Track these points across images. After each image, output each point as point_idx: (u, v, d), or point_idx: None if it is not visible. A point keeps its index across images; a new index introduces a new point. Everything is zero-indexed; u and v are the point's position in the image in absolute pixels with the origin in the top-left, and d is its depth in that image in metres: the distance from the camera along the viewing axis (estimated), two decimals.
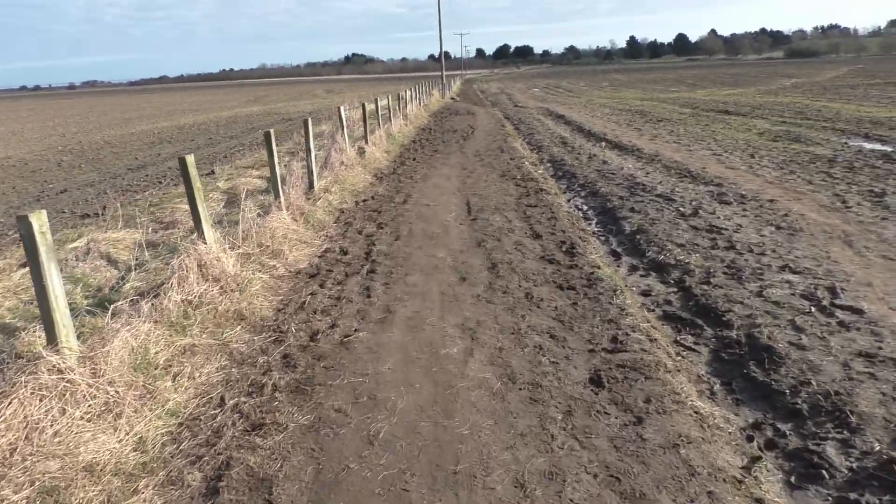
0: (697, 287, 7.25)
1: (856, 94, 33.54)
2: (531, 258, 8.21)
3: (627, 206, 11.22)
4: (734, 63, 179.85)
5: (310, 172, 11.46)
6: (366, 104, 17.28)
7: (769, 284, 7.12)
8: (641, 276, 8.06)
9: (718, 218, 10.06)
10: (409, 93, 31.16)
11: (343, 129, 14.43)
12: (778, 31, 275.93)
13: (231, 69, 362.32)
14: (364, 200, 11.99)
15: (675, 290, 7.40)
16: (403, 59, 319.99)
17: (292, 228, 9.07)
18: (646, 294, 7.39)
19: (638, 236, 9.53)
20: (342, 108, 14.85)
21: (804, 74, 72.14)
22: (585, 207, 11.96)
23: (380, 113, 21.94)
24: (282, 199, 9.39)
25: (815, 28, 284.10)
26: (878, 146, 16.03)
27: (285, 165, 11.27)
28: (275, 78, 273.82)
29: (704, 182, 12.82)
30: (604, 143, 19.59)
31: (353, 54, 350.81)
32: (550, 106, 41.04)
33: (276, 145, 10.09)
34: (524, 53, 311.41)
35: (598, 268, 7.82)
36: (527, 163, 16.40)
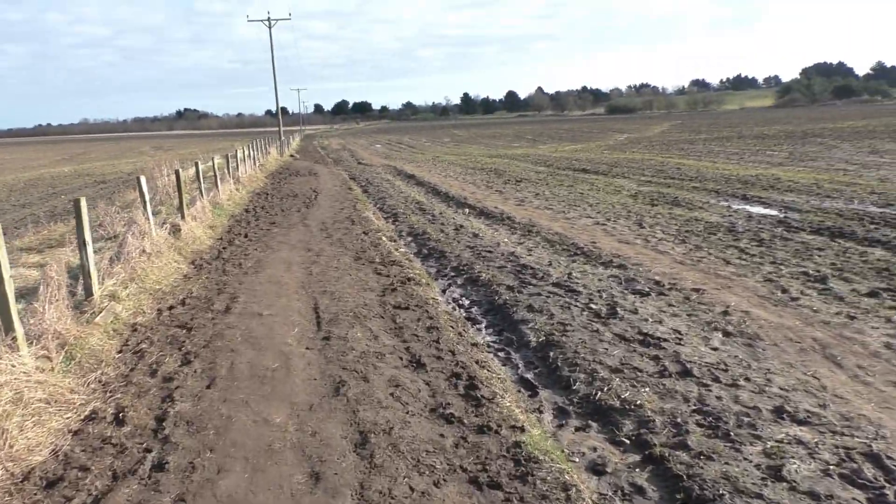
0: (672, 457, 4.79)
1: (698, 150, 34.17)
2: (418, 414, 5.43)
3: (522, 302, 8.77)
4: (562, 119, 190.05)
5: (85, 274, 8.06)
6: (180, 170, 13.90)
7: (778, 451, 4.78)
8: (578, 430, 5.50)
9: (645, 320, 7.82)
10: (242, 151, 27.76)
11: (146, 205, 11.06)
12: (597, 90, 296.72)
13: (49, 124, 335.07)
14: (171, 307, 8.71)
15: (640, 462, 4.90)
16: (239, 115, 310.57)
17: (36, 380, 5.71)
18: (598, 472, 4.82)
19: (551, 353, 7.04)
20: (142, 179, 11.46)
21: (633, 130, 75.85)
22: (468, 303, 9.39)
23: (206, 176, 18.54)
24: (18, 330, 5.98)
25: (629, 87, 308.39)
26: (764, 210, 14.91)
27: (45, 266, 7.79)
28: (99, 134, 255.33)
29: (603, 263, 10.71)
30: (467, 210, 17.38)
31: (186, 109, 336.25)
32: (397, 164, 38.98)
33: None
34: (363, 109, 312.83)
35: (520, 428, 5.19)
36: (384, 238, 13.72)
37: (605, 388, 6.04)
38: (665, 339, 7.15)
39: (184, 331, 7.70)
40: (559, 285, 9.54)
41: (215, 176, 18.82)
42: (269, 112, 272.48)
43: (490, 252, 12.00)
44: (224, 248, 12.90)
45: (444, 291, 10.06)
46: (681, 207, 15.66)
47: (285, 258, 11.64)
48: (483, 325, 8.42)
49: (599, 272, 10.17)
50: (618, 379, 6.20)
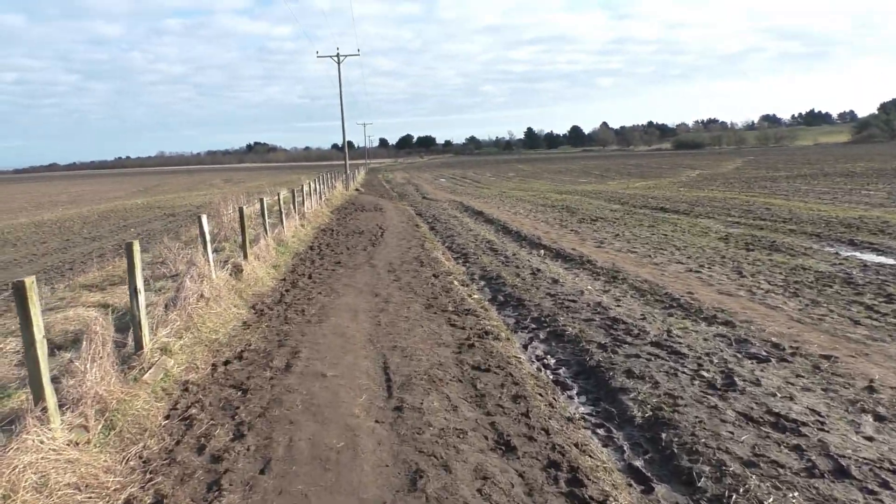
0: None
1: (783, 188, 32.27)
2: None
3: (619, 365, 7.65)
4: (628, 154, 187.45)
5: (136, 325, 7.33)
6: (244, 207, 13.29)
7: None
8: None
9: (772, 395, 6.59)
10: (308, 185, 27.43)
11: (206, 245, 10.40)
12: (664, 125, 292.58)
13: (127, 157, 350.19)
14: (226, 362, 7.90)
15: None
16: (307, 148, 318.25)
17: (67, 458, 4.91)
18: None
19: (663, 434, 5.90)
20: (203, 218, 10.84)
21: (704, 166, 73.56)
22: (554, 363, 8.31)
23: (271, 211, 18.05)
24: (50, 400, 5.20)
25: (697, 122, 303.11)
26: (879, 258, 13.37)
27: (100, 315, 7.10)
28: (174, 166, 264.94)
29: (705, 318, 9.47)
30: (542, 251, 16.32)
31: (256, 143, 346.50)
32: (463, 199, 38.25)
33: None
34: (427, 143, 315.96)
35: None
36: (456, 282, 12.79)
37: (741, 490, 4.87)
38: (803, 423, 5.92)
39: (239, 392, 6.85)
40: (659, 345, 8.36)
41: (280, 212, 18.29)
42: (335, 146, 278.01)
43: (573, 301, 10.90)
44: (287, 290, 12.17)
45: (525, 347, 9.01)
46: (780, 253, 14.22)
47: (351, 304, 10.79)
48: (575, 392, 7.32)
49: (703, 330, 8.94)
50: (755, 477, 5.02)
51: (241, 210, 13.01)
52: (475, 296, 11.78)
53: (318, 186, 31.81)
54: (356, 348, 8.32)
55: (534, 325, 9.93)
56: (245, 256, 12.91)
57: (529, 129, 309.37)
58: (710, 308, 9.93)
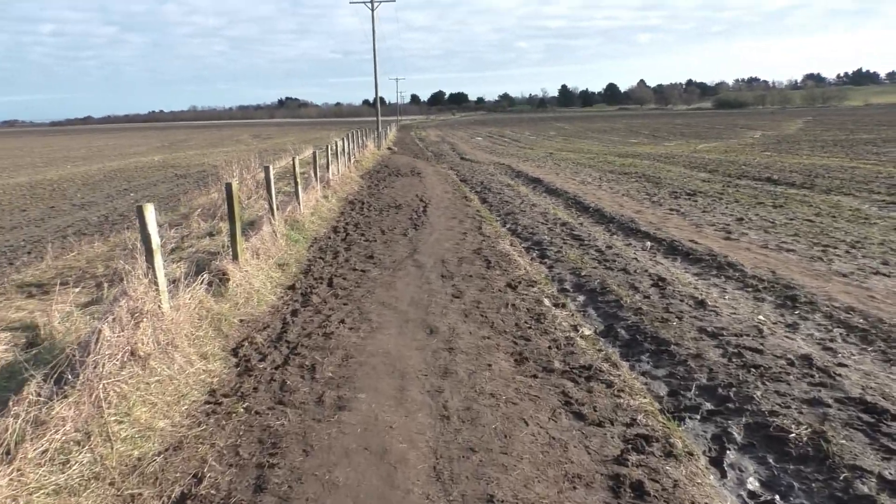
0: None
1: (893, 155, 27.11)
2: None
3: None
4: (668, 112, 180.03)
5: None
6: (233, 183, 8.92)
7: None
8: None
9: None
10: (336, 145, 23.13)
11: (155, 256, 6.16)
12: (703, 83, 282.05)
13: (161, 111, 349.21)
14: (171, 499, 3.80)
15: None
16: (338, 104, 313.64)
17: None
18: None
19: None
20: (150, 213, 6.59)
21: (762, 126, 67.85)
22: None
23: (290, 175, 13.90)
24: None
25: (738, 80, 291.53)
26: None
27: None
28: (206, 120, 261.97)
29: None
30: (649, 243, 11.94)
31: (287, 98, 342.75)
32: (509, 161, 33.71)
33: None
34: (459, 100, 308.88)
35: None
36: (546, 300, 8.54)
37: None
38: None
39: None
40: None
41: (296, 183, 14.03)
42: (366, 102, 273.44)
43: (757, 351, 6.61)
44: (294, 314, 8.00)
45: (718, 465, 4.80)
46: None
47: (392, 353, 6.59)
48: None
49: None
50: None
51: (228, 188, 8.77)
52: (584, 330, 7.51)
53: (347, 145, 27.52)
54: (411, 496, 4.14)
55: (711, 405, 5.67)
56: (235, 257, 8.75)
57: (564, 87, 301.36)
58: None
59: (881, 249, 10.51)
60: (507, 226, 14.52)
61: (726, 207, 15.29)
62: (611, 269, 10.13)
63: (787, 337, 7.01)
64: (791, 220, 13.36)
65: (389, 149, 48.14)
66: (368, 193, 19.91)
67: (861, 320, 7.34)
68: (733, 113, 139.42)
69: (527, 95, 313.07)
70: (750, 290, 8.80)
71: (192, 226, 14.08)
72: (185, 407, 5.35)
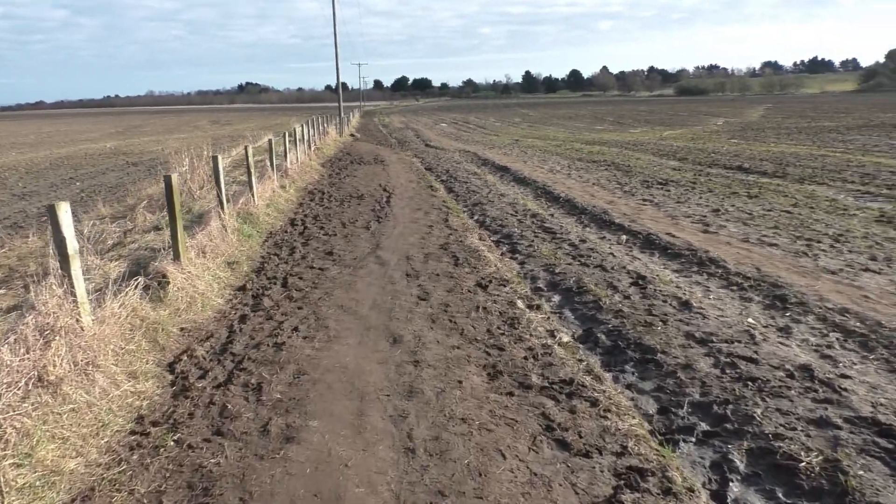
0: None
1: (862, 143, 26.98)
2: None
3: None
4: (631, 99, 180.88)
5: None
6: (173, 176, 8.00)
7: None
8: None
9: None
10: (296, 131, 22.15)
11: (71, 265, 5.32)
12: (664, 70, 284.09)
13: (116, 95, 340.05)
14: None
15: None
16: (300, 89, 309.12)
17: None
18: None
19: None
20: (64, 211, 5.70)
21: (724, 114, 68.15)
22: None
23: (243, 165, 13.01)
24: None
25: (697, 67, 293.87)
26: None
27: None
28: (163, 106, 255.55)
29: None
30: (623, 236, 11.36)
31: (248, 83, 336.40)
32: (474, 148, 33.01)
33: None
34: (423, 86, 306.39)
35: None
36: (519, 301, 7.88)
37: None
38: None
39: None
40: None
41: (249, 173, 13.13)
42: (328, 87, 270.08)
43: (750, 359, 6.03)
44: (240, 323, 7.21)
45: (719, 498, 4.20)
46: None
47: (351, 369, 5.86)
48: None
49: None
50: None
51: (167, 181, 7.90)
52: (562, 336, 6.86)
53: (307, 132, 26.50)
54: None
55: (706, 424, 5.06)
56: (177, 256, 7.92)
57: (527, 73, 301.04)
58: None
59: (866, 243, 10.05)
60: (476, 217, 13.84)
61: (700, 198, 14.79)
62: (586, 266, 9.51)
63: (781, 343, 6.45)
64: (768, 211, 12.91)
65: (352, 135, 47.06)
66: (329, 183, 19.04)
67: (858, 324, 6.82)
68: (695, 100, 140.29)
69: (491, 81, 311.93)
70: (735, 288, 8.25)
71: (138, 219, 13.13)
72: (105, 440, 4.57)
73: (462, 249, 10.42)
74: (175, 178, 7.82)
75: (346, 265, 9.56)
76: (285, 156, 18.68)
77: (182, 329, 6.84)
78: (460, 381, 5.54)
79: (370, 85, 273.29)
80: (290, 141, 20.69)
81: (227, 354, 6.22)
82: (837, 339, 6.54)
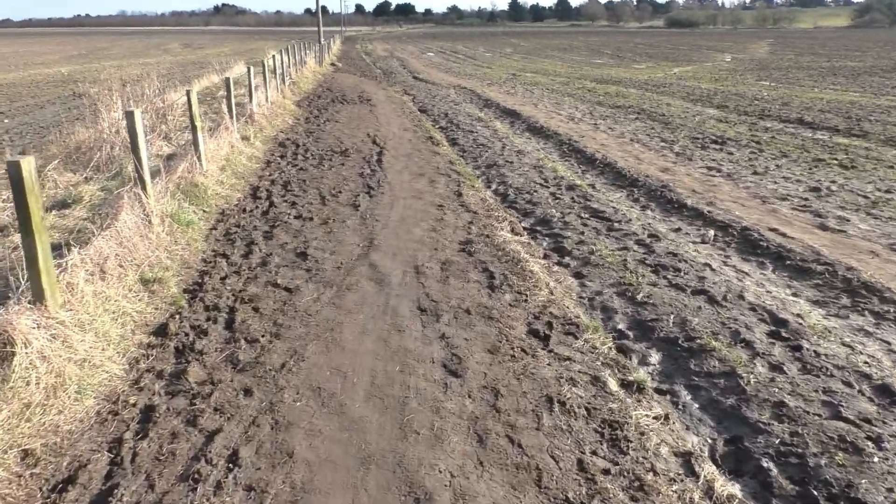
0: None
1: None
2: None
3: None
4: (621, 30, 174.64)
5: None
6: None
7: None
8: None
9: None
10: (267, 63, 18.50)
11: None
12: (654, 0, 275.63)
13: (87, 15, 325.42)
14: None
15: None
16: (278, 12, 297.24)
17: None
18: None
19: None
20: None
21: (729, 49, 64.30)
22: None
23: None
24: None
25: None
26: None
27: None
28: (135, 27, 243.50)
29: None
30: (711, 233, 8.24)
31: (224, 4, 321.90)
32: (470, 84, 29.40)
33: None
34: (406, 11, 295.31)
35: None
36: (606, 372, 4.84)
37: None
38: None
39: None
40: None
41: (193, 128, 9.73)
42: (308, 11, 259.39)
43: None
44: (138, 436, 4.10)
45: None
46: None
47: None
48: None
49: None
50: None
51: (12, 169, 4.64)
52: (705, 467, 3.85)
53: (283, 62, 22.77)
54: None
55: None
56: (39, 299, 4.69)
57: (514, 1, 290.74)
58: None
59: None
60: (494, 187, 10.68)
61: (779, 167, 11.64)
62: (680, 290, 6.44)
63: None
64: (887, 192, 9.84)
65: (333, 65, 42.91)
66: (305, 131, 15.58)
67: None
68: (688, 32, 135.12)
69: (476, 9, 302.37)
70: None
71: (47, 185, 9.82)
72: None
73: (492, 252, 7.30)
74: (28, 163, 4.50)
75: (327, 283, 6.41)
76: (250, 95, 15.16)
77: (24, 457, 3.72)
78: None
79: (351, 9, 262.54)
80: (258, 73, 17.13)
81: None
82: None
